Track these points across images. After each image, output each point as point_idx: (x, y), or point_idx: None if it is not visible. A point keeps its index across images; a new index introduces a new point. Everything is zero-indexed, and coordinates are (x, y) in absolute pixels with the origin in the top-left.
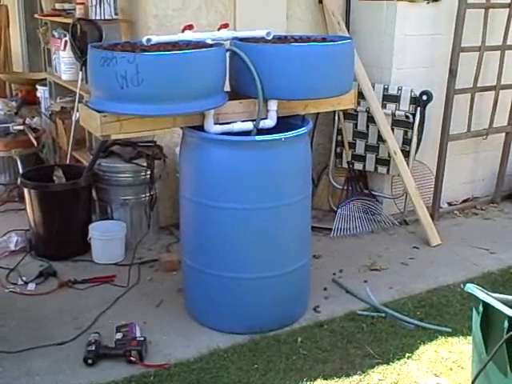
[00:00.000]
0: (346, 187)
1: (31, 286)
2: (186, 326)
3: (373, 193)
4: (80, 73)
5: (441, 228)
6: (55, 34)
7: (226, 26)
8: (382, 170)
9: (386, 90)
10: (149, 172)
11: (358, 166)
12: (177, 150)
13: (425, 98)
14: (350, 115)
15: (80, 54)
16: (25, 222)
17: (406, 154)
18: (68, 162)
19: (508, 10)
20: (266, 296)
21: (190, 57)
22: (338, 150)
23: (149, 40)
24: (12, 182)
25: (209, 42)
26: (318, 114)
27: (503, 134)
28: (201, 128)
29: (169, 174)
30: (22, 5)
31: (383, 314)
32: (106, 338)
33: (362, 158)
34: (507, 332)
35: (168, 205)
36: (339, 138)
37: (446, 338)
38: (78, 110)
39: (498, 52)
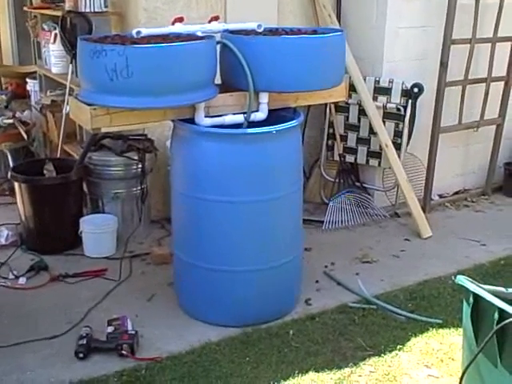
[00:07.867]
0: (337, 180)
1: (22, 280)
2: (178, 320)
3: (364, 185)
4: (70, 66)
5: (432, 220)
6: (45, 26)
7: (216, 18)
8: (373, 162)
9: (377, 82)
10: (140, 165)
11: (350, 158)
12: (168, 143)
13: (416, 90)
14: (341, 108)
15: (70, 46)
16: (15, 215)
17: (398, 147)
18: (59, 155)
19: (499, 1)
20: (258, 289)
21: (180, 49)
22: (330, 142)
23: (139, 32)
24: (2, 175)
25: (199, 34)
26: (310, 106)
27: (494, 126)
28: (191, 121)
29: (160, 168)
30: None
31: (374, 307)
32: (97, 331)
33: (353, 151)
34: (497, 323)
35: (159, 198)
36: (331, 130)
37: (436, 330)
38: (68, 103)
39: (489, 44)
